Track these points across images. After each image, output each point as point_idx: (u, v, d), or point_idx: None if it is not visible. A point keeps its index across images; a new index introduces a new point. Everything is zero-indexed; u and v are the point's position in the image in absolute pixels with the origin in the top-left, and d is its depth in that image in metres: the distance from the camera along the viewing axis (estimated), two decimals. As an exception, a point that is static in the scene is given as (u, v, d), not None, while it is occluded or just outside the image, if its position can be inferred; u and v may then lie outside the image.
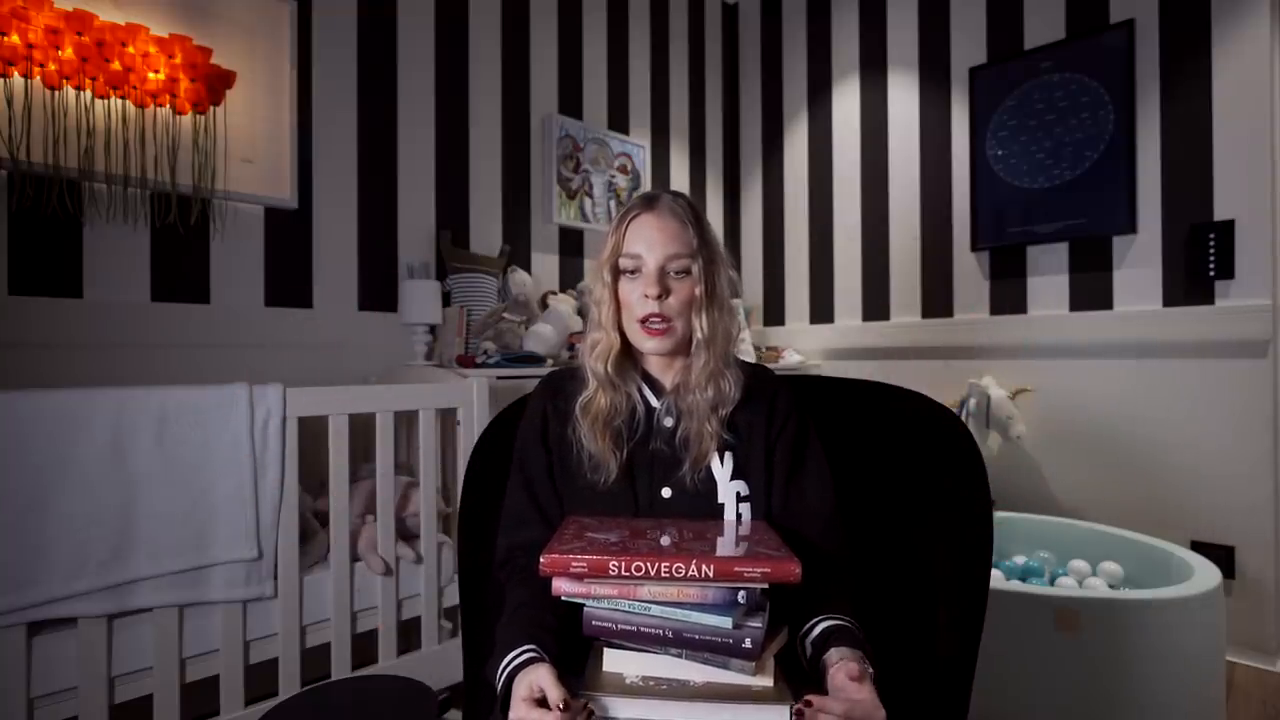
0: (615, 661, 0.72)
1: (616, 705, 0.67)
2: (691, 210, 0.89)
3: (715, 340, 0.88)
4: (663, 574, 0.66)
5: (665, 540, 0.72)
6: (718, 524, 0.82)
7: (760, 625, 0.67)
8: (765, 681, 0.68)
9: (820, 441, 0.91)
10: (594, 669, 0.72)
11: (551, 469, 0.90)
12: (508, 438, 0.97)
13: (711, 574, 0.65)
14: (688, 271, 0.86)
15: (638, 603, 0.69)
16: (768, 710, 0.66)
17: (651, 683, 0.69)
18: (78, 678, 1.21)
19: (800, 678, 0.73)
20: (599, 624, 0.70)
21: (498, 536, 0.90)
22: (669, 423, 0.89)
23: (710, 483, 0.86)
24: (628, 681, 0.70)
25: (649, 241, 0.86)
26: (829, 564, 0.80)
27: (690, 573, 0.65)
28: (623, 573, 0.66)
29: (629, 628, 0.69)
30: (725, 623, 0.66)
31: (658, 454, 0.87)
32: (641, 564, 0.66)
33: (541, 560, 0.67)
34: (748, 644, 0.66)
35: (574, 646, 0.75)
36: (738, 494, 0.85)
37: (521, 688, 0.67)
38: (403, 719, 1.07)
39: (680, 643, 0.68)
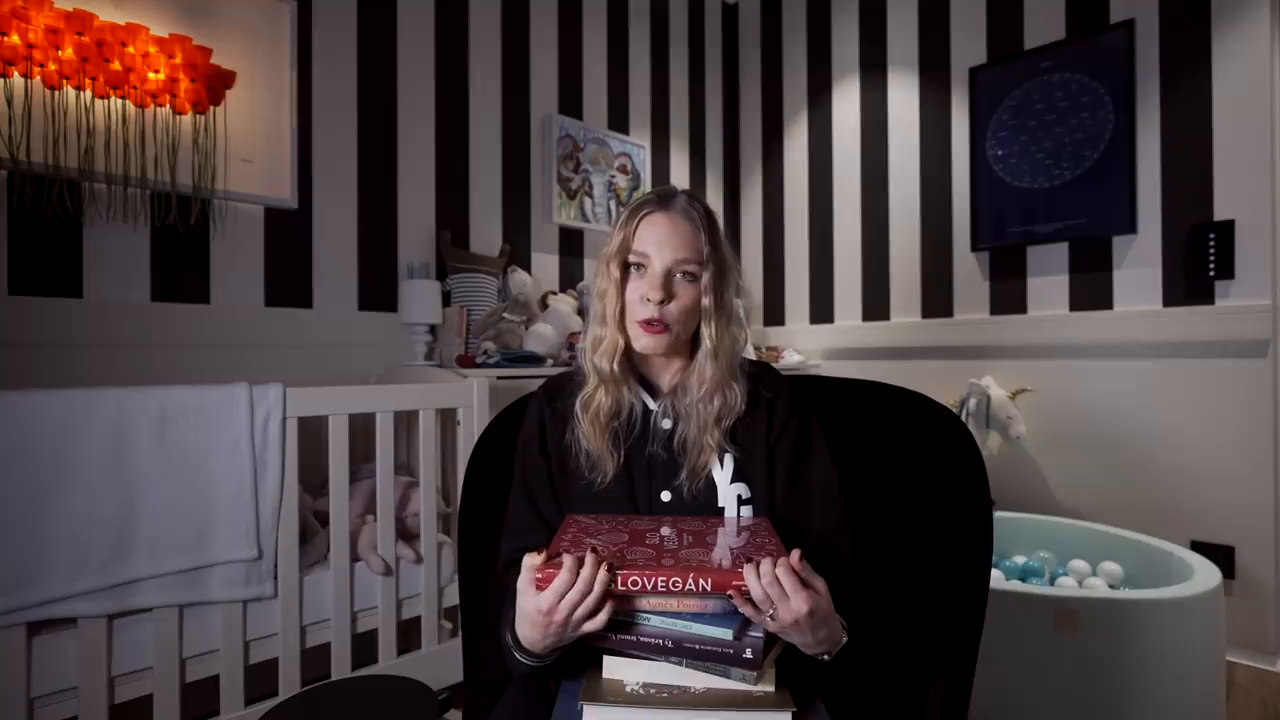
0: (615, 668, 0.71)
1: (617, 714, 0.67)
2: (706, 215, 0.87)
3: (721, 351, 0.85)
4: (659, 588, 0.65)
5: (664, 545, 0.71)
6: (718, 523, 0.80)
7: (760, 635, 0.66)
8: (767, 687, 0.68)
9: (823, 435, 0.89)
10: (594, 676, 0.71)
11: (551, 475, 0.88)
12: (508, 438, 0.96)
13: (709, 587, 0.64)
14: (694, 277, 0.84)
15: (637, 612, 0.68)
16: (769, 716, 0.66)
17: (652, 690, 0.69)
18: (78, 678, 1.21)
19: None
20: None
21: (501, 541, 0.88)
22: (666, 425, 0.87)
23: (711, 487, 0.84)
24: (628, 689, 0.69)
25: (658, 242, 0.83)
26: (832, 563, 0.79)
27: (688, 586, 0.64)
28: (619, 587, 0.65)
29: (628, 637, 0.68)
30: (725, 633, 0.66)
31: (655, 458, 0.86)
32: (638, 578, 0.65)
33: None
34: (748, 654, 0.66)
35: (573, 653, 0.74)
36: (739, 497, 0.83)
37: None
38: (403, 719, 1.07)
39: (680, 652, 0.67)
